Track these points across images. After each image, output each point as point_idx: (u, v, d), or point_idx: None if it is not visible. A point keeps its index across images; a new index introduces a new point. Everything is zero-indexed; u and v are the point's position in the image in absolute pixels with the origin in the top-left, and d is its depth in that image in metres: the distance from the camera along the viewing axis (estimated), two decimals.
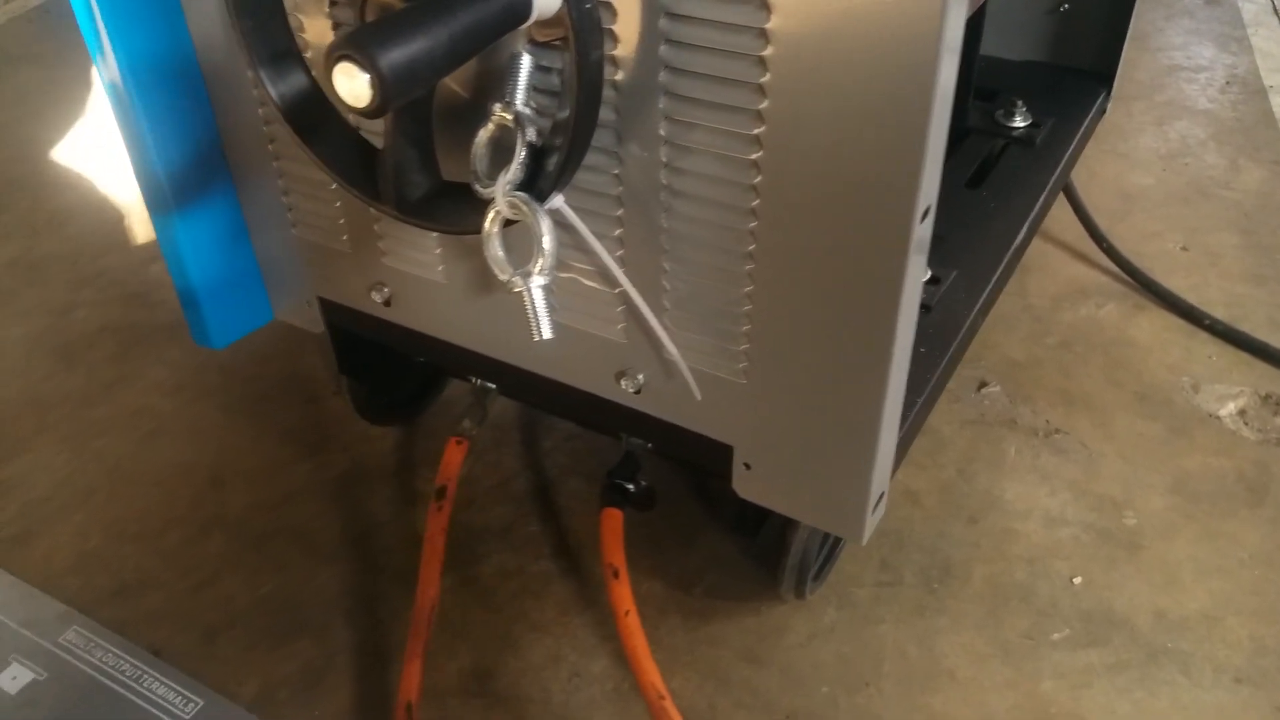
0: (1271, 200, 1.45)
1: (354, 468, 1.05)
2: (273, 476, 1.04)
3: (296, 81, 0.67)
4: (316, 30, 0.72)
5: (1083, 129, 1.13)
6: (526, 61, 0.62)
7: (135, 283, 1.31)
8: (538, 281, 0.63)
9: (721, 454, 0.76)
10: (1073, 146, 1.11)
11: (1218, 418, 1.10)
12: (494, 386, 0.91)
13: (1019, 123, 1.09)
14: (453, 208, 0.67)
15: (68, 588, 0.93)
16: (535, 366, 0.81)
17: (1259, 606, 0.90)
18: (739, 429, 0.74)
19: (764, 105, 0.59)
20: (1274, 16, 2.01)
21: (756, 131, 0.60)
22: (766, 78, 0.58)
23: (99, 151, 1.57)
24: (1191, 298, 1.24)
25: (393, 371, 1.04)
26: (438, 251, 0.79)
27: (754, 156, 0.61)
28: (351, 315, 0.89)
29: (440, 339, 0.85)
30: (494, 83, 0.66)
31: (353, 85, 0.45)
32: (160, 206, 0.83)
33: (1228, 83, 1.77)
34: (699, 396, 0.73)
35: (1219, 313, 1.22)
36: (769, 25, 0.56)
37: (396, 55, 0.44)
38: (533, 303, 0.64)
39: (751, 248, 0.65)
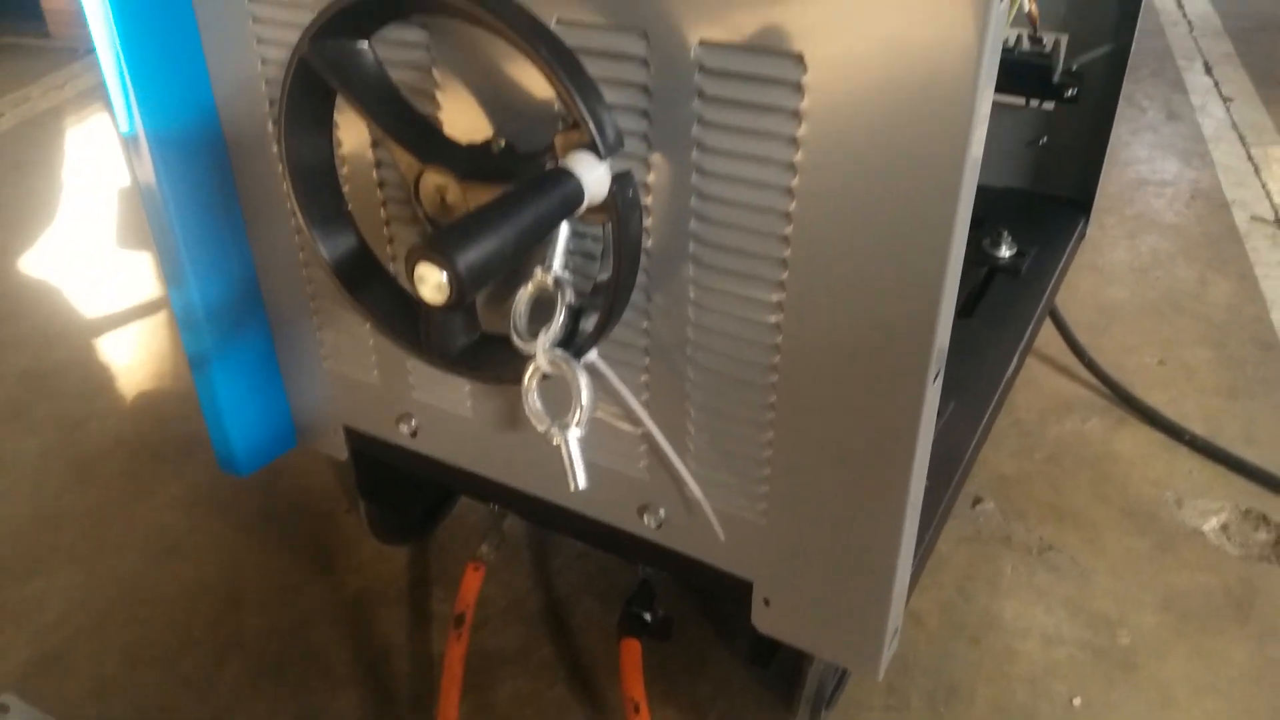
0: (1240, 313, 1.52)
1: (367, 588, 1.06)
2: (288, 597, 1.05)
3: (345, 241, 0.71)
4: (363, 192, 0.77)
5: (1065, 256, 1.20)
6: (565, 229, 0.66)
7: (148, 393, 1.33)
8: (574, 434, 0.67)
9: (740, 589, 0.79)
10: (1057, 275, 1.17)
11: (1201, 533, 1.14)
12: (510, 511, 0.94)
13: (1005, 252, 1.15)
14: (492, 360, 0.70)
15: (86, 717, 0.94)
16: (559, 498, 0.84)
17: None
18: (759, 566, 0.77)
19: (784, 276, 0.64)
20: (1233, 132, 2.13)
21: (777, 299, 0.65)
22: (788, 253, 0.63)
23: (111, 258, 1.61)
24: (1170, 411, 1.30)
25: (408, 493, 1.07)
26: (466, 389, 0.83)
27: (774, 320, 0.66)
28: (377, 444, 0.92)
29: (466, 469, 0.88)
30: None
31: (432, 283, 0.49)
32: (197, 341, 0.87)
33: (1192, 196, 1.87)
34: (723, 537, 0.76)
35: (1197, 427, 1.28)
36: (791, 209, 0.61)
37: (473, 255, 0.49)
38: (569, 454, 0.67)
39: (773, 399, 0.69)
